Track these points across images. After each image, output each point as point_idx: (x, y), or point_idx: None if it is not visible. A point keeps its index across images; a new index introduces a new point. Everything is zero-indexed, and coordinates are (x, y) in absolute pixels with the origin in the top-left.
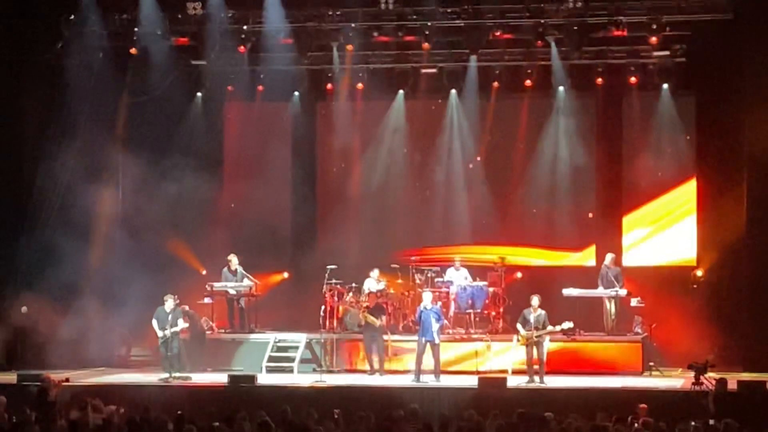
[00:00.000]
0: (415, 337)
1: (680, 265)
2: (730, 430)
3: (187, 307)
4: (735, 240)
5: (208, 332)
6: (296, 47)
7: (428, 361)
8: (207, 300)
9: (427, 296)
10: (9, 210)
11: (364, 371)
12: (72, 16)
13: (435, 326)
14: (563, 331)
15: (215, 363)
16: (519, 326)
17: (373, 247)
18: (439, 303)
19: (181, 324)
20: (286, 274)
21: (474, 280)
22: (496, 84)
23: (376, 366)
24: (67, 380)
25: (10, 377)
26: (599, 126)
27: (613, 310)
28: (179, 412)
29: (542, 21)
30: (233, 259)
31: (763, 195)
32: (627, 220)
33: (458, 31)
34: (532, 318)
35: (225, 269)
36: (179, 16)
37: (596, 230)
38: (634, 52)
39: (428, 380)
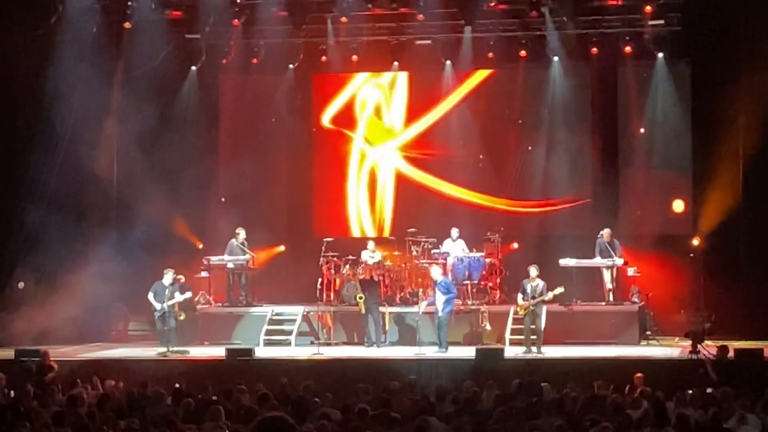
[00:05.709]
0: (414, 309)
1: (677, 234)
2: (727, 399)
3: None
4: (732, 208)
5: (205, 306)
6: (291, 19)
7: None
8: (204, 274)
9: (435, 270)
10: (4, 184)
11: (361, 343)
12: None
13: (441, 299)
14: (556, 297)
15: (213, 336)
16: (519, 296)
17: (369, 219)
18: (450, 275)
19: (179, 297)
20: (282, 247)
21: (471, 251)
22: (490, 55)
23: (374, 338)
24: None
25: (8, 353)
26: (594, 96)
27: (609, 279)
28: (177, 386)
29: None
30: (241, 233)
31: (760, 163)
32: (622, 188)
33: (453, 2)
34: (529, 288)
35: (232, 241)
36: None
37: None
38: (628, 21)
39: (426, 352)
